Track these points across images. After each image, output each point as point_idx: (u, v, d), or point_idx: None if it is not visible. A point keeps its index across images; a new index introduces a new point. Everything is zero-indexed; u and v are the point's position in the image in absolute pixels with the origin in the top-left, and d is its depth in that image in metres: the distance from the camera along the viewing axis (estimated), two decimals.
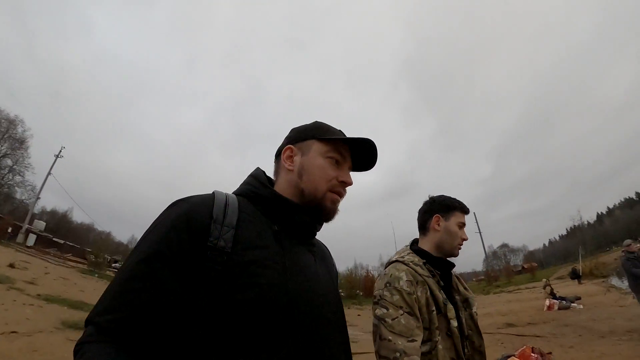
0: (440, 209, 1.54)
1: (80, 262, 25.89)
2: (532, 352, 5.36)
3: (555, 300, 12.90)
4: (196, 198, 0.76)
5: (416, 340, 1.21)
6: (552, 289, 14.63)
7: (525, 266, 62.53)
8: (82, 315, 7.00)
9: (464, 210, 1.55)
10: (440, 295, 1.35)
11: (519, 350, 5.47)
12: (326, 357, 0.73)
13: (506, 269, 53.26)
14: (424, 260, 1.44)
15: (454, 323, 1.33)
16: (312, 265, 0.83)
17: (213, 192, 0.79)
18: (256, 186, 0.86)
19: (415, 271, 1.37)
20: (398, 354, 1.17)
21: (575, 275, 24.60)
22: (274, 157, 0.98)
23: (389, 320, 1.24)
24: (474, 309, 1.48)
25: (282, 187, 0.89)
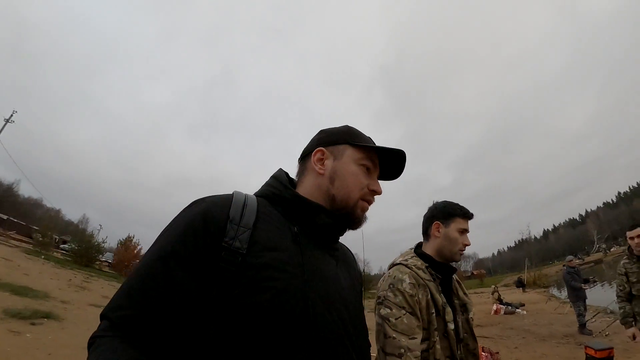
0: (440, 216, 1.57)
1: (25, 241, 23.86)
2: (483, 351, 5.58)
3: (502, 306, 13.63)
4: (215, 198, 0.75)
5: (417, 338, 1.29)
6: (499, 295, 15.44)
7: (475, 272, 66.00)
8: (27, 303, 6.27)
9: (466, 216, 1.56)
10: (440, 299, 1.41)
11: None
12: None
13: (458, 275, 55.67)
14: (427, 265, 1.49)
15: (451, 326, 1.40)
16: (333, 270, 0.79)
17: (232, 193, 0.77)
18: (278, 187, 0.82)
19: (418, 274, 1.42)
20: (403, 350, 1.25)
21: (520, 284, 26.24)
22: (298, 158, 0.93)
23: (392, 319, 1.31)
24: (471, 315, 1.55)
25: (309, 191, 0.84)
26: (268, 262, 0.66)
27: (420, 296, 1.37)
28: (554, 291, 20.42)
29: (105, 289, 11.97)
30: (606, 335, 7.15)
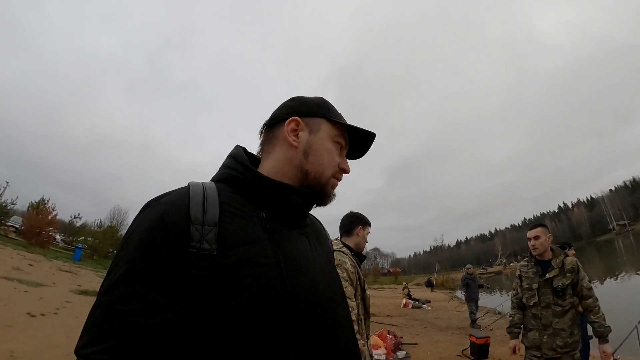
0: (362, 222, 2.26)
1: None
2: (388, 334, 6.26)
3: (410, 300, 15.09)
4: (169, 197, 0.66)
5: (354, 302, 1.89)
6: (409, 291, 17.03)
7: (391, 270, 70.39)
8: None
9: (370, 224, 2.32)
10: (362, 276, 2.09)
11: (378, 332, 6.33)
12: (337, 347, 0.69)
13: (375, 270, 59.26)
14: (352, 253, 2.12)
15: (368, 292, 2.10)
16: (308, 252, 0.75)
17: (188, 185, 0.69)
18: (237, 169, 0.74)
19: (352, 259, 2.06)
20: (350, 309, 1.77)
21: (429, 284, 28.87)
22: (261, 129, 0.83)
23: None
24: (367, 292, 2.27)
25: (278, 165, 0.77)
26: (241, 259, 0.62)
27: (355, 274, 1.99)
28: (458, 293, 22.74)
29: (15, 260, 10.80)
30: (490, 330, 8.36)
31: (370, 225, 2.30)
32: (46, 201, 20.51)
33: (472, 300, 9.41)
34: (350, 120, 0.84)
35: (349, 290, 1.85)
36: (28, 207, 20.60)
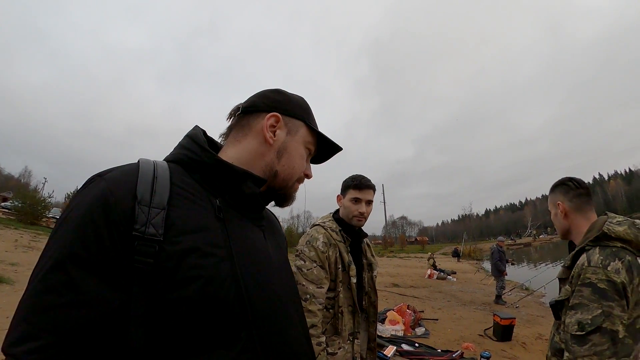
0: (341, 189, 1.84)
1: None
2: (408, 308, 6.23)
3: (435, 271, 14.95)
4: (115, 173, 0.59)
5: (323, 288, 1.58)
6: (434, 261, 16.84)
7: (418, 239, 70.49)
8: None
9: (357, 186, 1.76)
10: (347, 257, 1.69)
11: (397, 306, 6.30)
12: (287, 344, 0.66)
13: (401, 238, 59.42)
14: (340, 228, 1.75)
15: (354, 280, 1.68)
16: (262, 244, 0.72)
17: (138, 162, 0.63)
18: (194, 150, 0.68)
19: (331, 235, 1.69)
20: (308, 296, 1.53)
21: (456, 254, 28.61)
22: (233, 112, 0.79)
23: (305, 270, 1.59)
24: (375, 273, 1.87)
25: (245, 156, 0.74)
26: (190, 247, 0.56)
27: (330, 253, 1.65)
28: (485, 264, 22.47)
29: None
30: (516, 307, 8.16)
31: (356, 187, 1.75)
32: None
33: (500, 274, 9.13)
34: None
35: (313, 273, 1.56)
36: (65, 198, 22.51)
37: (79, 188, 0.60)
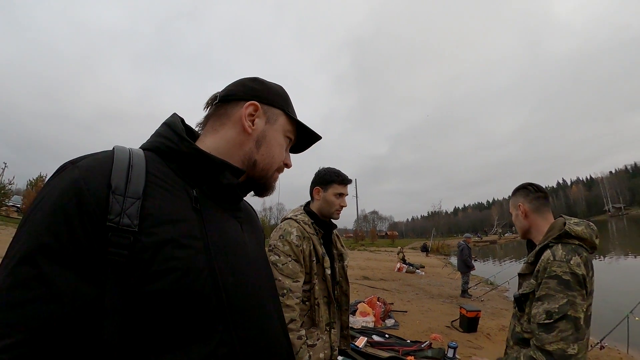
0: (320, 182, 1.81)
1: None
2: (378, 300, 6.30)
3: (404, 265, 15.29)
4: (89, 160, 0.56)
5: (299, 281, 1.58)
6: (404, 256, 17.23)
7: (388, 233, 71.89)
8: None
9: (342, 182, 1.80)
10: (321, 250, 1.70)
11: (368, 298, 6.37)
12: (264, 337, 0.65)
13: (372, 232, 60.28)
14: (312, 221, 1.75)
15: (328, 271, 1.70)
16: (239, 236, 0.70)
17: (113, 149, 0.60)
18: (171, 139, 0.66)
19: (304, 229, 1.68)
20: (285, 291, 1.52)
21: (425, 249, 29.38)
22: (210, 101, 0.77)
23: (280, 265, 1.57)
24: (346, 262, 1.91)
25: (223, 145, 0.72)
26: (166, 238, 0.55)
27: (304, 247, 1.64)
28: (452, 259, 23.21)
29: None
30: (482, 301, 8.47)
31: (341, 183, 1.78)
32: (44, 177, 20.62)
33: (466, 269, 9.45)
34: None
35: (289, 267, 1.56)
36: (27, 186, 21.01)
37: (49, 176, 0.56)
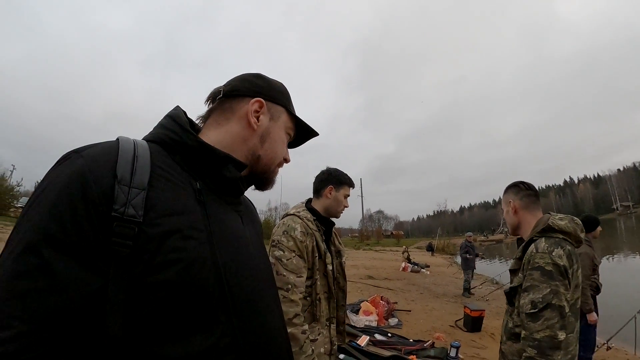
0: (334, 182, 1.87)
1: None
2: (381, 299, 6.28)
3: (409, 264, 15.21)
4: (94, 149, 0.56)
5: (303, 277, 1.61)
6: (409, 255, 17.15)
7: (394, 232, 71.63)
8: None
9: (351, 185, 1.92)
10: (323, 246, 1.74)
11: (371, 297, 6.34)
12: (265, 328, 0.66)
13: (377, 232, 60.04)
14: (315, 218, 1.79)
15: (330, 267, 1.75)
16: (240, 229, 0.71)
17: (117, 140, 0.60)
18: (175, 131, 0.66)
19: (307, 225, 1.71)
20: (290, 286, 1.54)
21: (430, 248, 29.20)
22: (213, 95, 0.77)
23: (284, 260, 1.59)
24: (344, 259, 1.96)
25: (227, 139, 0.73)
26: (170, 229, 0.55)
27: (307, 242, 1.67)
28: (458, 259, 23.05)
29: None
30: (486, 300, 8.40)
31: (350, 185, 1.90)
32: None
33: (468, 268, 9.41)
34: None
35: (293, 263, 1.58)
36: (34, 187, 20.70)
37: (53, 165, 0.56)
